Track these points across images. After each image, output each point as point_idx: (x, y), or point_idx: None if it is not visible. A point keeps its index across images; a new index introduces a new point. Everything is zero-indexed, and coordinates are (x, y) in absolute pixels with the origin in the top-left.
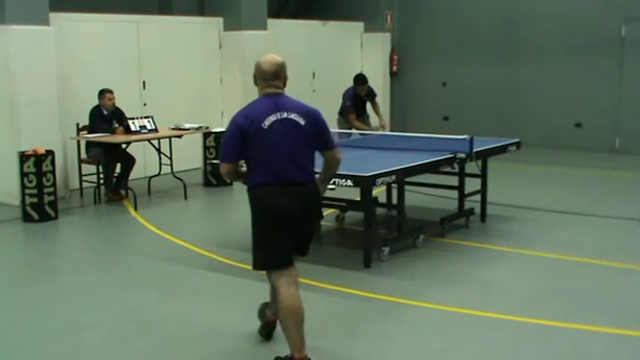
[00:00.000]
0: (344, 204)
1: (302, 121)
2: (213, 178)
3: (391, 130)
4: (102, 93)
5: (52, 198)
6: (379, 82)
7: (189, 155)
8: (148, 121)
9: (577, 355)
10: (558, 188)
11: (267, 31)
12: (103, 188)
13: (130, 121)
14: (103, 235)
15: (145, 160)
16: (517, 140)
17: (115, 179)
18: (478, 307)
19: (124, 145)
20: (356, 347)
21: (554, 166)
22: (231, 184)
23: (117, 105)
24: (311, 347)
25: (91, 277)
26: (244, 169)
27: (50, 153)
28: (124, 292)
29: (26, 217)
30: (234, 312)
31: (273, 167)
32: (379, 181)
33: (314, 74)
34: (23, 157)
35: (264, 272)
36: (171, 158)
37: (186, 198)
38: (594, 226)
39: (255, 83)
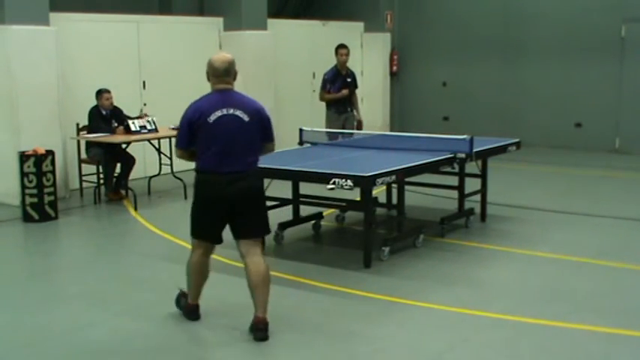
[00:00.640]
0: (344, 204)
1: (246, 118)
2: None
3: (391, 130)
4: (99, 93)
5: (52, 198)
6: (379, 82)
7: None
8: (148, 121)
9: (577, 355)
10: (558, 188)
11: (267, 31)
12: (103, 188)
13: (130, 122)
14: (103, 235)
15: (145, 160)
16: (517, 140)
17: (115, 179)
18: (478, 307)
19: (123, 145)
20: (356, 347)
21: (554, 166)
22: None
23: (116, 105)
24: (311, 347)
25: (91, 277)
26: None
27: (50, 153)
28: (124, 292)
29: (26, 217)
30: (234, 312)
31: (215, 157)
32: (379, 181)
33: (314, 74)
34: (23, 157)
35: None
36: (171, 158)
37: (186, 198)
38: (594, 226)
39: (208, 79)
